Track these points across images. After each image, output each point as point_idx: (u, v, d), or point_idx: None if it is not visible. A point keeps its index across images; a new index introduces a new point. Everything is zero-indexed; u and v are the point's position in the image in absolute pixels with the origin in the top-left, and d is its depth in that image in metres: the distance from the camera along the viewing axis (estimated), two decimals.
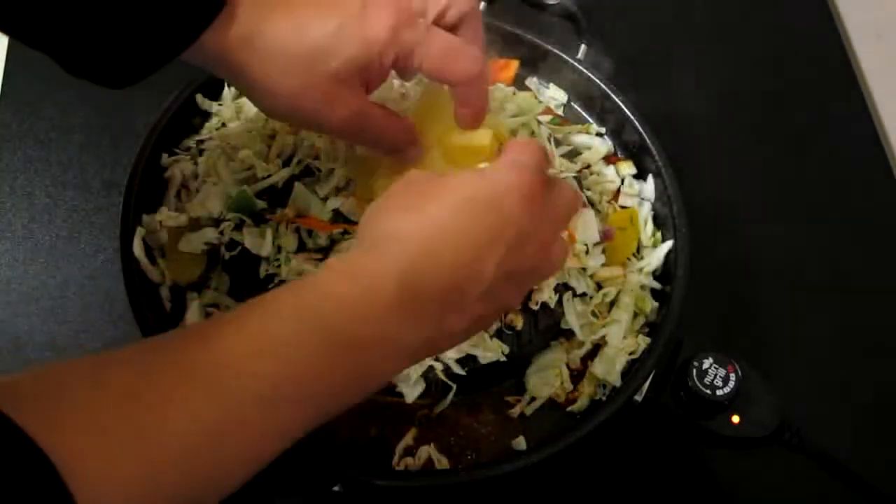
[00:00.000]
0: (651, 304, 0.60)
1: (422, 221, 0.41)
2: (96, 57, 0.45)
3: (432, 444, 0.54)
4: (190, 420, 0.35)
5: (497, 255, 0.41)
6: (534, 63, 0.71)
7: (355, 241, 0.43)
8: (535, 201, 0.42)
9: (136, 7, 0.43)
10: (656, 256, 0.62)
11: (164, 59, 0.45)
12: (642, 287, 0.60)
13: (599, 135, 0.69)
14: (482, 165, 0.44)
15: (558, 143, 0.65)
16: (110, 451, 0.32)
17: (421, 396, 0.54)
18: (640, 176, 0.67)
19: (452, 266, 0.40)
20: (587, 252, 0.59)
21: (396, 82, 0.61)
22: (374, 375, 0.40)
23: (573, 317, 0.57)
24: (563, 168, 0.63)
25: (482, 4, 0.76)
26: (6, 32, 0.45)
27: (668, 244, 0.62)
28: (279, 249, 0.55)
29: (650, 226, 0.64)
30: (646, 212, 0.65)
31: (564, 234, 0.58)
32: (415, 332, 0.40)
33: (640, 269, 0.61)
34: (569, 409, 0.57)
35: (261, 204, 0.57)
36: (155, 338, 0.38)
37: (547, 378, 0.57)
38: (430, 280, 0.40)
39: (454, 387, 0.54)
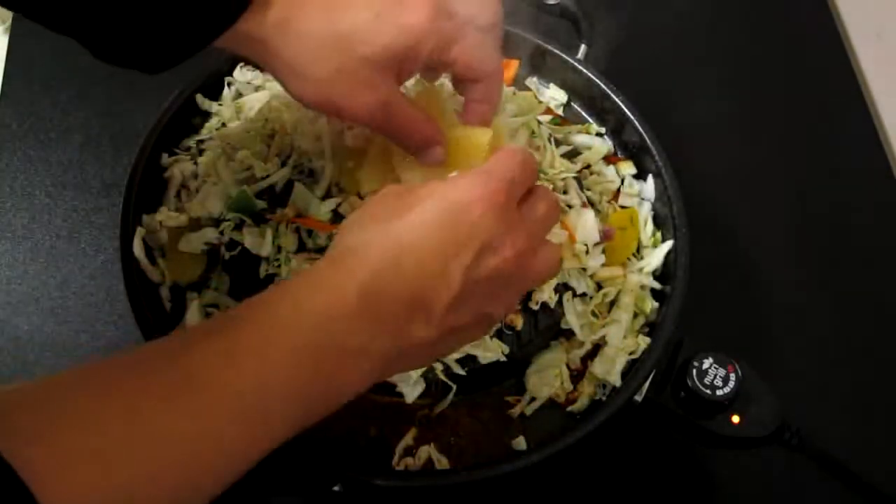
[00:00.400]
0: (651, 304, 0.60)
1: (387, 232, 0.41)
2: (132, 42, 0.45)
3: (432, 444, 0.54)
4: (181, 431, 0.35)
5: (463, 264, 0.40)
6: (534, 63, 0.71)
7: (327, 251, 0.43)
8: (503, 210, 0.42)
9: None
10: (656, 256, 0.62)
11: (201, 43, 0.45)
12: (642, 287, 0.60)
13: (599, 135, 0.69)
14: (452, 174, 0.44)
15: (558, 143, 0.65)
16: (97, 461, 0.33)
17: (421, 396, 0.54)
18: (640, 176, 0.67)
19: (416, 275, 0.40)
20: (587, 252, 0.59)
21: None
22: (344, 385, 0.40)
23: (573, 317, 0.57)
24: (563, 168, 0.63)
25: None
26: (37, 20, 0.45)
27: (668, 244, 0.62)
28: (279, 249, 0.55)
29: (650, 226, 0.64)
30: (646, 212, 0.65)
31: (563, 237, 0.58)
32: (380, 342, 0.40)
33: (640, 269, 0.61)
34: (569, 409, 0.57)
35: (261, 204, 0.57)
36: (134, 352, 0.38)
37: (547, 378, 0.57)
38: (393, 289, 0.40)
39: (454, 387, 0.54)
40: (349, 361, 0.39)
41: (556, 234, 0.56)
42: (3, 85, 0.77)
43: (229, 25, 0.45)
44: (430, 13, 0.46)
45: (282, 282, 0.41)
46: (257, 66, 0.66)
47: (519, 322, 0.56)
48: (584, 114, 0.71)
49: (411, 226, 0.41)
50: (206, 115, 0.65)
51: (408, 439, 0.54)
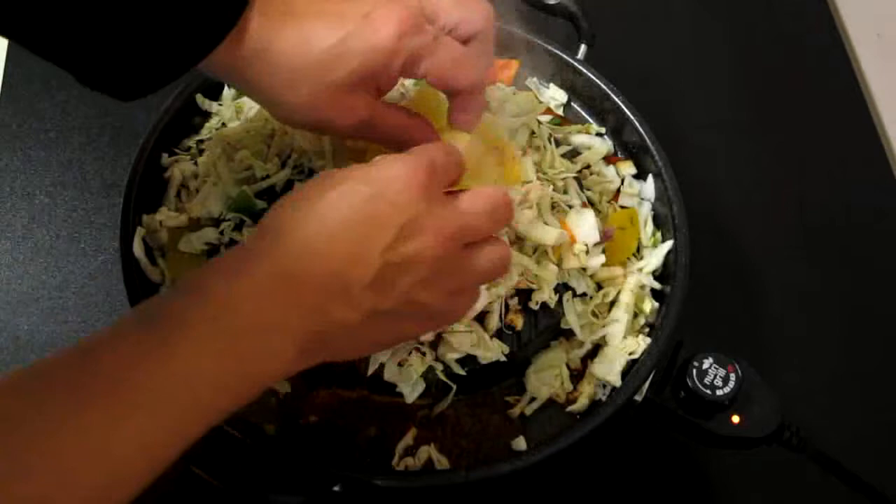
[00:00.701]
0: (651, 304, 0.60)
1: (304, 212, 0.41)
2: (110, 71, 0.45)
3: (432, 444, 0.54)
4: (92, 441, 0.35)
5: (381, 243, 0.41)
6: (534, 63, 0.71)
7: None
8: (423, 190, 0.42)
9: (151, 23, 0.43)
10: (656, 256, 0.62)
11: (175, 74, 0.46)
12: (642, 287, 0.60)
13: (599, 135, 0.69)
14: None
15: (558, 143, 0.65)
16: (61, 470, 0.33)
17: (421, 396, 0.54)
18: (640, 176, 0.67)
19: (331, 253, 0.40)
20: (587, 252, 0.59)
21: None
22: (265, 367, 0.40)
23: (573, 317, 0.57)
24: (563, 168, 0.63)
25: None
26: (26, 47, 0.45)
27: (668, 244, 0.62)
28: None
29: (650, 226, 0.64)
30: (646, 212, 0.65)
31: (563, 237, 0.57)
32: (297, 322, 0.40)
33: (640, 269, 0.61)
34: (569, 409, 0.57)
35: (261, 204, 0.57)
36: (45, 360, 0.37)
37: (547, 378, 0.57)
38: (306, 267, 0.40)
39: (454, 387, 0.54)
40: (263, 342, 0.39)
41: (557, 235, 0.56)
42: (3, 85, 0.77)
43: (204, 56, 0.45)
44: (398, 29, 0.46)
45: (203, 267, 0.41)
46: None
47: (519, 322, 0.56)
48: (584, 114, 0.70)
49: (331, 204, 0.41)
50: (206, 115, 0.65)
51: (408, 439, 0.54)
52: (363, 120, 0.48)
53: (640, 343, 0.58)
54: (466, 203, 0.45)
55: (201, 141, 0.63)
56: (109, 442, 0.35)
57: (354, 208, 0.41)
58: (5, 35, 0.44)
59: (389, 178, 0.42)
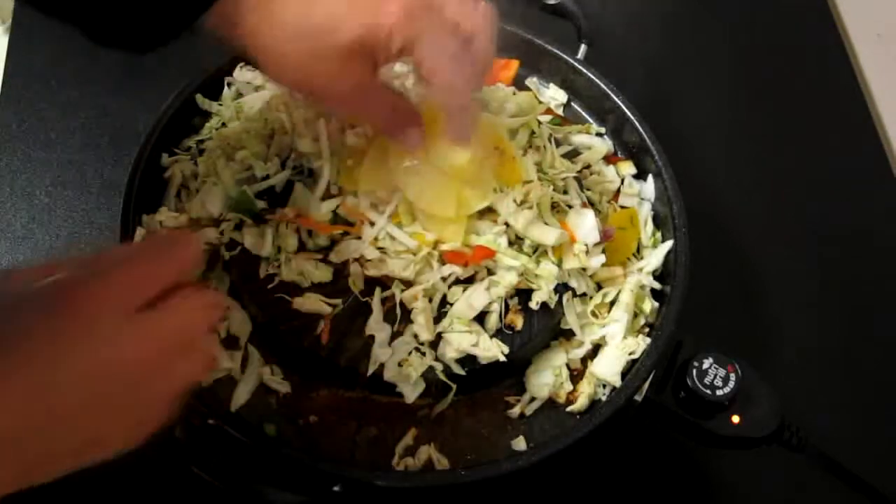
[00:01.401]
0: (651, 304, 0.60)
1: None
2: (121, 23, 0.46)
3: (432, 444, 0.54)
4: None
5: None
6: (534, 63, 0.71)
7: None
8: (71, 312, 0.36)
9: None
10: (656, 256, 0.62)
11: (186, 21, 0.47)
12: (642, 287, 0.60)
13: (599, 135, 0.69)
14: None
15: (558, 143, 0.65)
16: None
17: (421, 396, 0.54)
18: (640, 176, 0.67)
19: None
20: (587, 252, 0.59)
21: (397, 82, 0.61)
22: None
23: (573, 317, 0.57)
24: (563, 168, 0.63)
25: None
26: (35, 7, 0.45)
27: (668, 244, 0.62)
28: (279, 249, 0.55)
29: (650, 226, 0.64)
30: (646, 212, 0.65)
31: (564, 237, 0.57)
32: None
33: (640, 269, 0.61)
34: (569, 409, 0.57)
35: (261, 204, 0.57)
36: None
37: (547, 378, 0.57)
38: None
39: (454, 387, 0.54)
40: None
41: (557, 235, 0.56)
42: (3, 85, 0.77)
43: (210, 6, 0.46)
44: (405, 9, 0.46)
45: None
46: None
47: (519, 322, 0.56)
48: (584, 114, 0.71)
49: None
50: (206, 115, 0.65)
51: (408, 439, 0.54)
52: (354, 88, 0.49)
53: (640, 343, 0.58)
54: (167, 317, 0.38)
55: (201, 141, 0.63)
56: None
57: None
58: None
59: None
